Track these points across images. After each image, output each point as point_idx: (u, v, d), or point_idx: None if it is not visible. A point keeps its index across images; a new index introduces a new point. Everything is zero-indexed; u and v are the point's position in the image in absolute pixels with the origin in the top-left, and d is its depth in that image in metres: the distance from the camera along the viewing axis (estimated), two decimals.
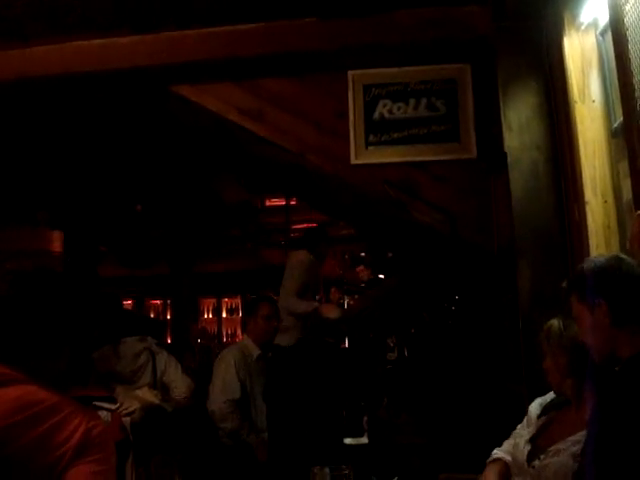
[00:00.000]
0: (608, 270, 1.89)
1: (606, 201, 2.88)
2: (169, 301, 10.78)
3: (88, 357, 4.33)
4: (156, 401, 3.92)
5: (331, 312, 3.74)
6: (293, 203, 8.63)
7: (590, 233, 2.87)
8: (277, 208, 9.06)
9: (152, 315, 10.87)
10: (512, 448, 2.24)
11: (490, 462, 2.38)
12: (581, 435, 1.74)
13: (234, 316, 10.94)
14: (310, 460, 2.15)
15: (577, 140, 2.93)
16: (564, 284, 2.00)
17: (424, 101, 3.75)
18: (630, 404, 1.58)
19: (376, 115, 3.77)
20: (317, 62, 3.77)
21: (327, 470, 2.02)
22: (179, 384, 4.47)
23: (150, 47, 3.75)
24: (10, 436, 1.44)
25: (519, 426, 2.41)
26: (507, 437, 2.46)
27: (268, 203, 9.31)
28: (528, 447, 2.13)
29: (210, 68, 3.83)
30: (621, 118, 2.68)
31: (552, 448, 2.01)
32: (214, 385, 4.25)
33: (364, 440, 2.74)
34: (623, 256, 2.07)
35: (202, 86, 3.97)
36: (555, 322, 2.23)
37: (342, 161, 3.77)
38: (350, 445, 2.69)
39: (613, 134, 2.88)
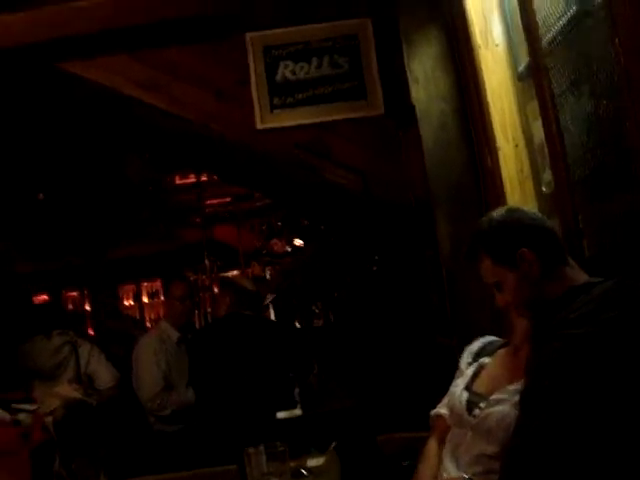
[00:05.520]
0: (514, 220, 1.77)
1: (517, 145, 2.87)
2: (86, 291, 10.45)
3: (5, 360, 4.13)
4: (78, 396, 3.76)
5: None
6: (205, 179, 8.43)
7: (504, 179, 2.87)
8: (189, 186, 8.83)
9: (70, 307, 10.54)
10: (448, 399, 2.18)
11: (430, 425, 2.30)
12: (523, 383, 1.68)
13: (155, 300, 10.71)
14: (245, 440, 2.06)
15: (483, 86, 2.90)
16: (469, 245, 1.83)
17: (327, 59, 3.65)
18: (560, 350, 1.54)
19: (279, 77, 3.64)
20: (214, 27, 3.61)
21: (262, 449, 1.94)
22: (103, 374, 4.34)
23: (32, 23, 3.48)
24: None
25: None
26: (440, 391, 2.42)
27: (178, 181, 9.06)
28: (465, 395, 2.07)
29: (99, 41, 3.60)
30: (526, 61, 2.66)
31: (494, 397, 1.95)
32: (142, 377, 4.02)
33: (297, 412, 2.67)
34: (514, 207, 1.99)
35: (93, 61, 3.73)
36: None
37: (247, 127, 3.65)
38: (284, 419, 2.62)
39: (519, 77, 2.86)
